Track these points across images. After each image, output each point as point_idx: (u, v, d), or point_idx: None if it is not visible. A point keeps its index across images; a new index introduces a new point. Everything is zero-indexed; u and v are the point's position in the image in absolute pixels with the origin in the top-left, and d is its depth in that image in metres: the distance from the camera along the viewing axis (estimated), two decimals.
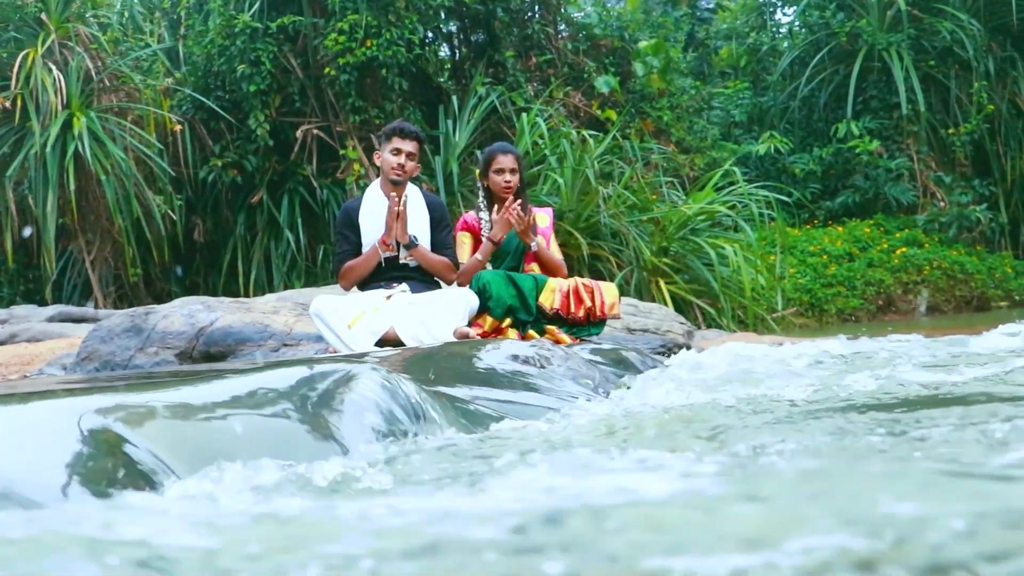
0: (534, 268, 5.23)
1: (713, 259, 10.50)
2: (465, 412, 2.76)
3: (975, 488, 1.28)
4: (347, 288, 5.16)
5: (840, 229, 15.32)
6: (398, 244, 4.98)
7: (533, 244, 5.17)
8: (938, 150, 16.29)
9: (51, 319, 9.43)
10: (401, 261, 5.03)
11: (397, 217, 4.88)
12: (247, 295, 11.72)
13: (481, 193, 5.31)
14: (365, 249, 5.05)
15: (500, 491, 1.44)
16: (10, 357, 6.83)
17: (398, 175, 5.02)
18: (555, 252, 5.40)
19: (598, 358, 4.22)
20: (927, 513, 1.11)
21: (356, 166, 11.84)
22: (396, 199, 4.88)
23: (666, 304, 9.44)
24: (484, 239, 5.18)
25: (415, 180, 5.32)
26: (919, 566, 0.91)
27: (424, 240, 5.07)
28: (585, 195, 10.86)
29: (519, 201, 5.02)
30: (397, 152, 5.02)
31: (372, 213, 5.07)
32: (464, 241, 5.27)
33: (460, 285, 5.11)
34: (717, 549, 0.99)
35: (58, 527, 1.28)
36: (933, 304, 14.42)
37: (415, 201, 5.11)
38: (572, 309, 4.96)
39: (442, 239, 5.14)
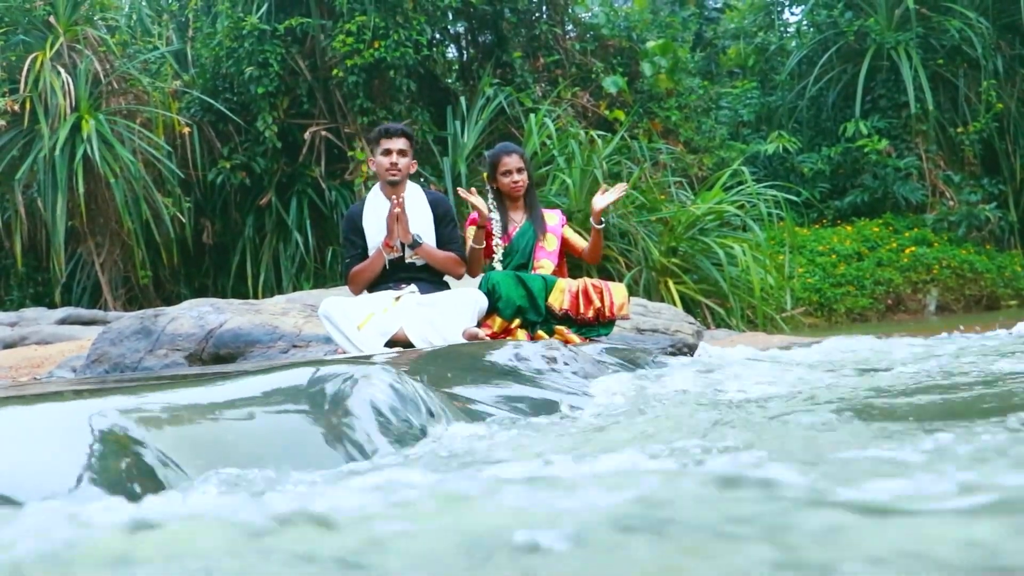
0: (543, 267, 5.23)
1: (722, 259, 10.48)
2: (473, 413, 2.76)
3: None
4: (357, 292, 5.15)
5: (849, 228, 15.29)
6: (402, 244, 4.98)
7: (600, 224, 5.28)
8: (947, 149, 16.25)
9: (61, 322, 9.46)
10: (407, 261, 5.02)
11: (397, 218, 4.87)
12: (256, 297, 11.74)
13: (491, 195, 5.31)
14: (371, 253, 5.05)
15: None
16: (20, 360, 6.84)
17: (394, 175, 5.01)
18: (577, 241, 5.44)
19: (607, 358, 4.21)
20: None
21: (364, 167, 11.84)
22: (395, 200, 4.88)
23: (675, 304, 9.43)
24: (496, 238, 5.20)
25: (418, 179, 5.32)
26: None
27: (429, 237, 5.05)
28: (593, 195, 10.84)
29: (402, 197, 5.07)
30: (387, 152, 5.01)
31: (375, 216, 5.06)
32: (471, 234, 5.29)
33: (470, 273, 5.15)
34: None
35: (62, 528, 1.28)
36: (943, 303, 14.38)
37: (417, 199, 5.10)
38: (581, 309, 4.95)
39: (448, 234, 5.13)
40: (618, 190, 5.31)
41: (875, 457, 1.66)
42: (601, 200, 5.23)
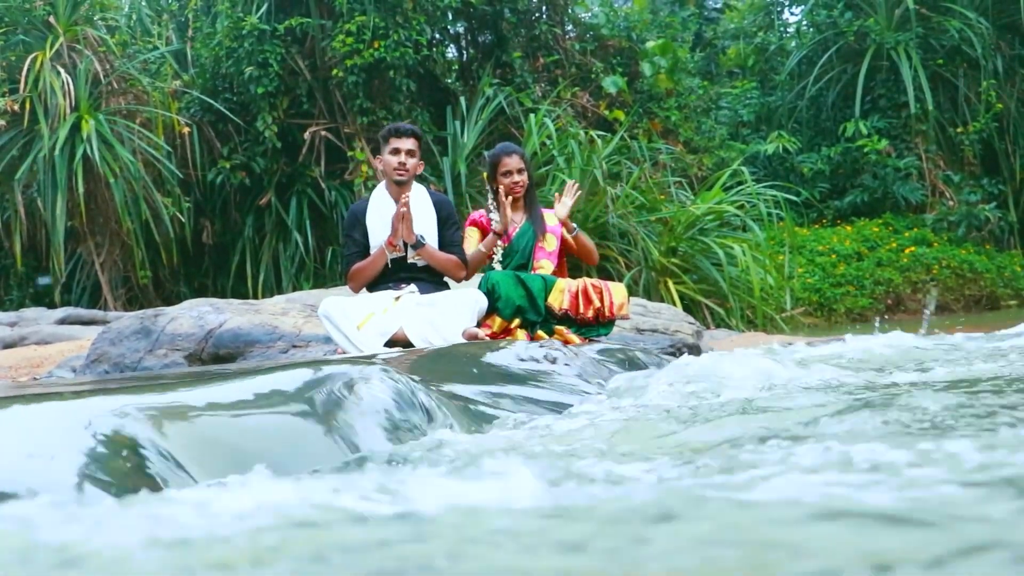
0: (543, 267, 5.23)
1: (722, 259, 10.48)
2: (473, 413, 2.76)
3: None
4: (356, 290, 5.15)
5: (849, 228, 15.30)
6: (405, 244, 4.98)
7: (574, 230, 5.33)
8: (947, 149, 16.25)
9: (60, 321, 9.46)
10: (409, 261, 5.03)
11: (403, 218, 4.88)
12: (255, 297, 11.74)
13: (490, 196, 5.32)
14: (373, 251, 5.05)
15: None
16: (20, 360, 6.85)
17: (401, 175, 5.01)
18: (574, 242, 5.46)
19: (607, 358, 4.21)
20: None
21: (364, 167, 11.84)
22: (402, 199, 4.88)
23: (675, 304, 9.43)
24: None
25: (422, 180, 5.32)
26: None
27: (432, 239, 5.06)
28: (593, 195, 10.86)
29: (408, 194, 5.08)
30: (396, 152, 5.02)
31: (379, 215, 5.06)
32: (471, 235, 5.29)
33: (467, 276, 5.15)
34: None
35: (63, 528, 1.28)
36: (942, 303, 14.37)
37: (421, 200, 5.10)
38: (581, 309, 4.95)
39: (450, 237, 5.13)
40: (570, 191, 5.34)
41: None
42: (562, 209, 5.27)
